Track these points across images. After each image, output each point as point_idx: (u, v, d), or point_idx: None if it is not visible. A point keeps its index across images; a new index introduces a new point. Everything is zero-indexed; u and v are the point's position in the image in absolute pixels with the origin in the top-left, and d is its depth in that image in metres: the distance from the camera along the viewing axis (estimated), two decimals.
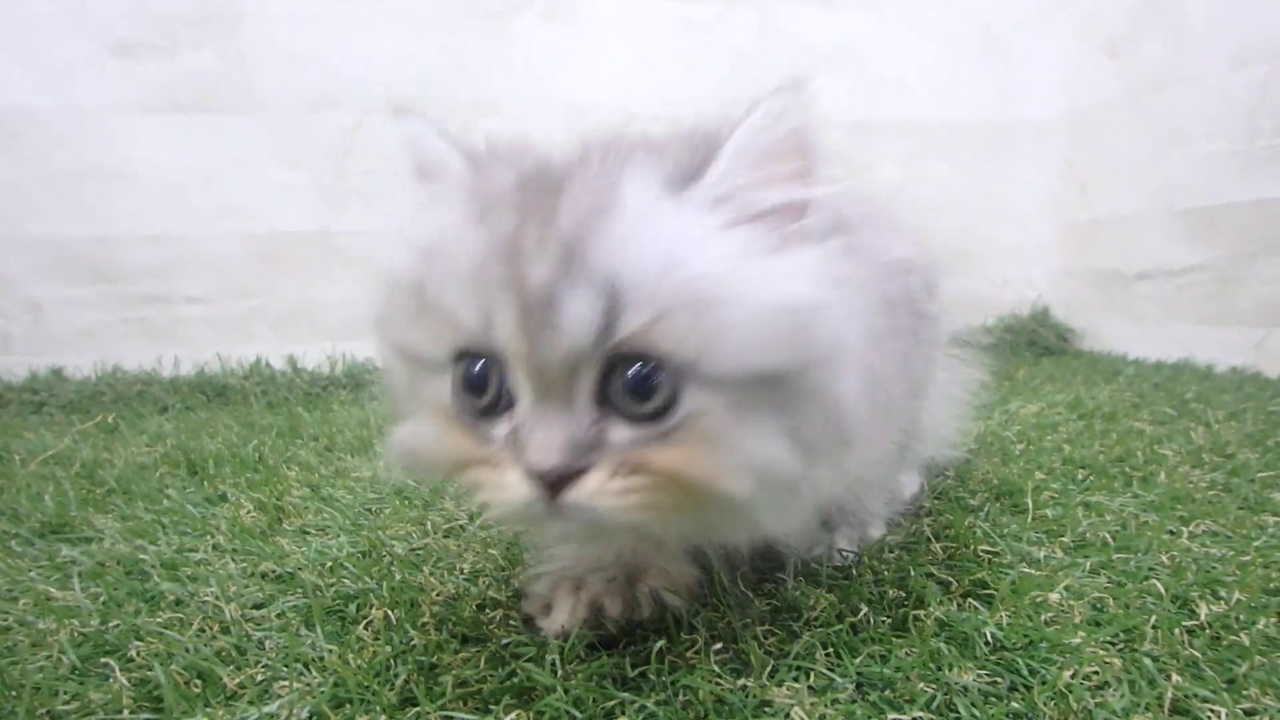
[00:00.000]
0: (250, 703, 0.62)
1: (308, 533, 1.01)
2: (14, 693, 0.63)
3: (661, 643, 0.66)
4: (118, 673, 0.66)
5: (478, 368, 0.57)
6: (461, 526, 1.01)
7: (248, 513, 1.08)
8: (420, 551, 0.92)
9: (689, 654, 0.65)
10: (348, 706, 0.61)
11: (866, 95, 2.50)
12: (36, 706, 0.62)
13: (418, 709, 0.60)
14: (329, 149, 2.23)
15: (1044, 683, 0.61)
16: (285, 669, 0.66)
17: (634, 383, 0.55)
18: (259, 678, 0.66)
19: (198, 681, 0.65)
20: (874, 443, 0.72)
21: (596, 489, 0.54)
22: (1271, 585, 0.76)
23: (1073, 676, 0.61)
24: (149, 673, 0.66)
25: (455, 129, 0.68)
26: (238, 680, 0.65)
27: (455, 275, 0.55)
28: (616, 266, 0.53)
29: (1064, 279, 2.65)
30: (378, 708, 0.60)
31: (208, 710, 0.61)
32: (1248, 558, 0.82)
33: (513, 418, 0.57)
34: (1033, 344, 2.53)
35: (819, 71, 2.22)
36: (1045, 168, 2.62)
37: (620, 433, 0.55)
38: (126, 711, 0.61)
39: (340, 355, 2.24)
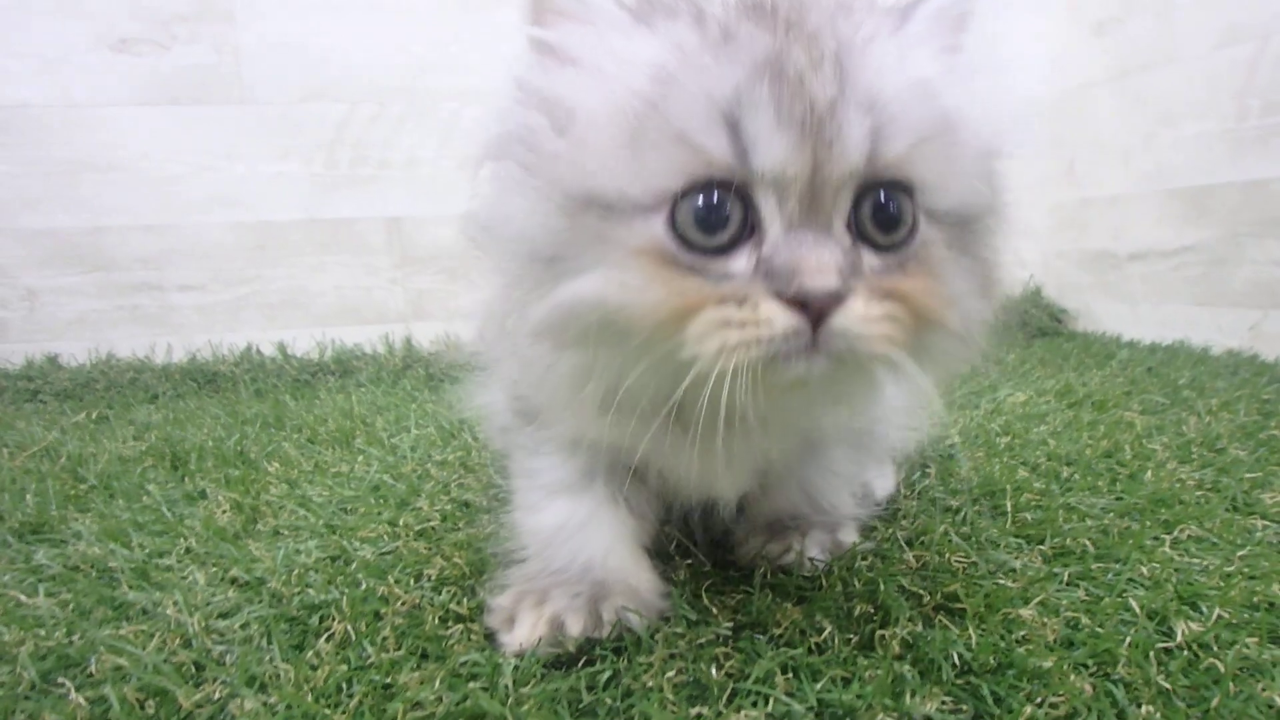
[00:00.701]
0: None
1: (280, 534, 1.01)
2: None
3: (620, 663, 0.65)
4: (74, 692, 0.65)
5: (715, 198, 0.53)
6: (433, 528, 1.00)
7: (223, 513, 1.08)
8: (389, 556, 0.91)
9: (645, 676, 0.64)
10: None
11: None
12: None
13: None
14: (319, 139, 2.24)
15: (1010, 711, 0.59)
16: (245, 686, 0.66)
17: (884, 210, 0.55)
18: (216, 696, 0.65)
19: (153, 702, 0.64)
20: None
21: (862, 314, 0.53)
22: (1255, 599, 0.74)
23: (1039, 706, 0.59)
24: (105, 690, 0.65)
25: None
26: (194, 699, 0.64)
27: (702, 99, 0.52)
28: (885, 90, 0.53)
29: (1055, 259, 2.64)
30: None
31: None
32: (1232, 568, 0.81)
33: (758, 248, 0.54)
34: (1025, 325, 2.51)
35: None
36: (1035, 148, 2.58)
37: (870, 260, 0.55)
38: None
39: (330, 341, 2.25)
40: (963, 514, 0.97)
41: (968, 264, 0.59)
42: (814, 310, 0.52)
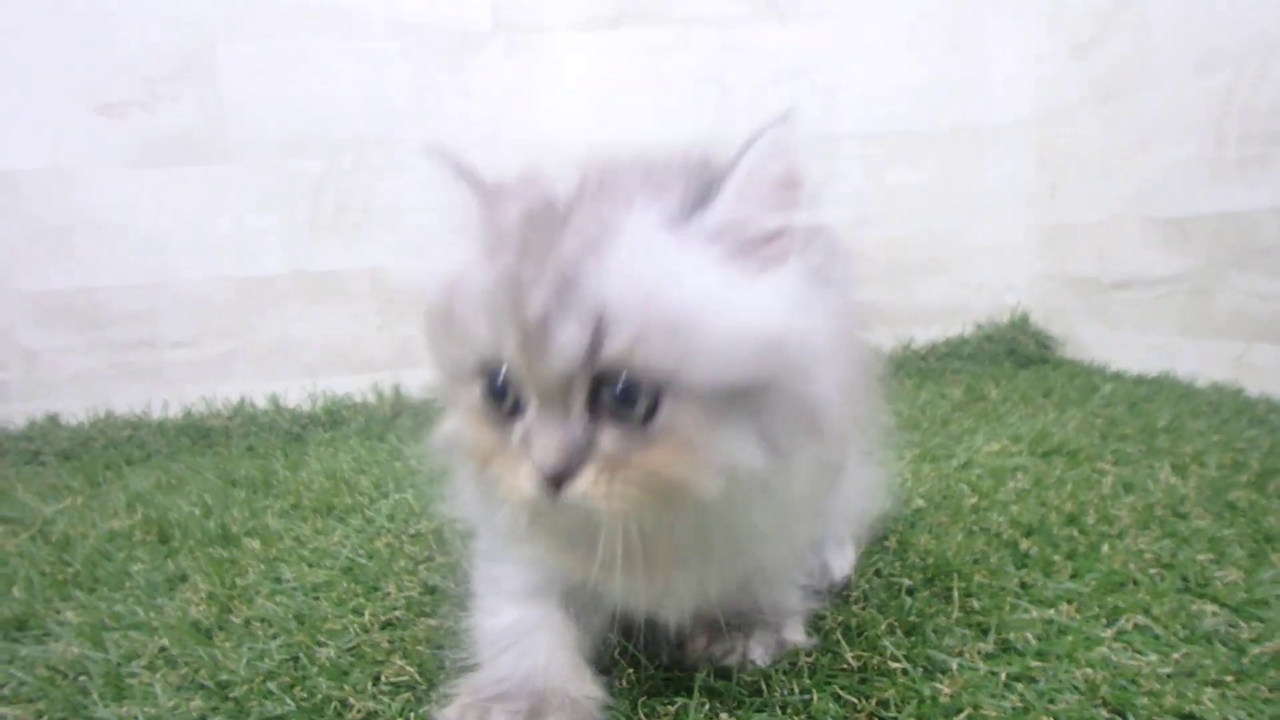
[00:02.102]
0: None
1: (250, 626, 1.03)
2: None
3: None
4: None
5: (498, 380, 0.65)
6: (398, 618, 1.03)
7: (198, 604, 1.10)
8: (351, 653, 0.94)
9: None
10: None
11: (830, 107, 2.51)
12: None
13: None
14: (300, 192, 2.29)
15: None
16: None
17: (619, 394, 0.62)
18: None
19: None
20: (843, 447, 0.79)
21: (588, 486, 0.62)
22: (1185, 708, 0.75)
23: None
24: None
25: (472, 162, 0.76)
26: None
27: (472, 305, 0.64)
28: (604, 297, 0.60)
29: (1041, 283, 2.65)
30: None
31: None
32: (1168, 669, 0.82)
33: (524, 422, 0.64)
34: (1013, 352, 2.52)
35: (781, 87, 2.23)
36: (1016, 170, 2.60)
37: (609, 437, 0.63)
38: None
39: (320, 392, 2.29)
40: (912, 600, 0.99)
41: (744, 426, 0.64)
42: (547, 480, 0.62)
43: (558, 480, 0.62)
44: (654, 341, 0.60)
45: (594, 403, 0.63)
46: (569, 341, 0.60)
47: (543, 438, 0.63)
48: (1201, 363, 2.07)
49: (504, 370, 0.64)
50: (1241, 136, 1.92)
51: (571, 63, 2.37)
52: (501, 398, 0.66)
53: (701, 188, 0.65)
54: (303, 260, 2.30)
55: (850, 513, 1.02)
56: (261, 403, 2.27)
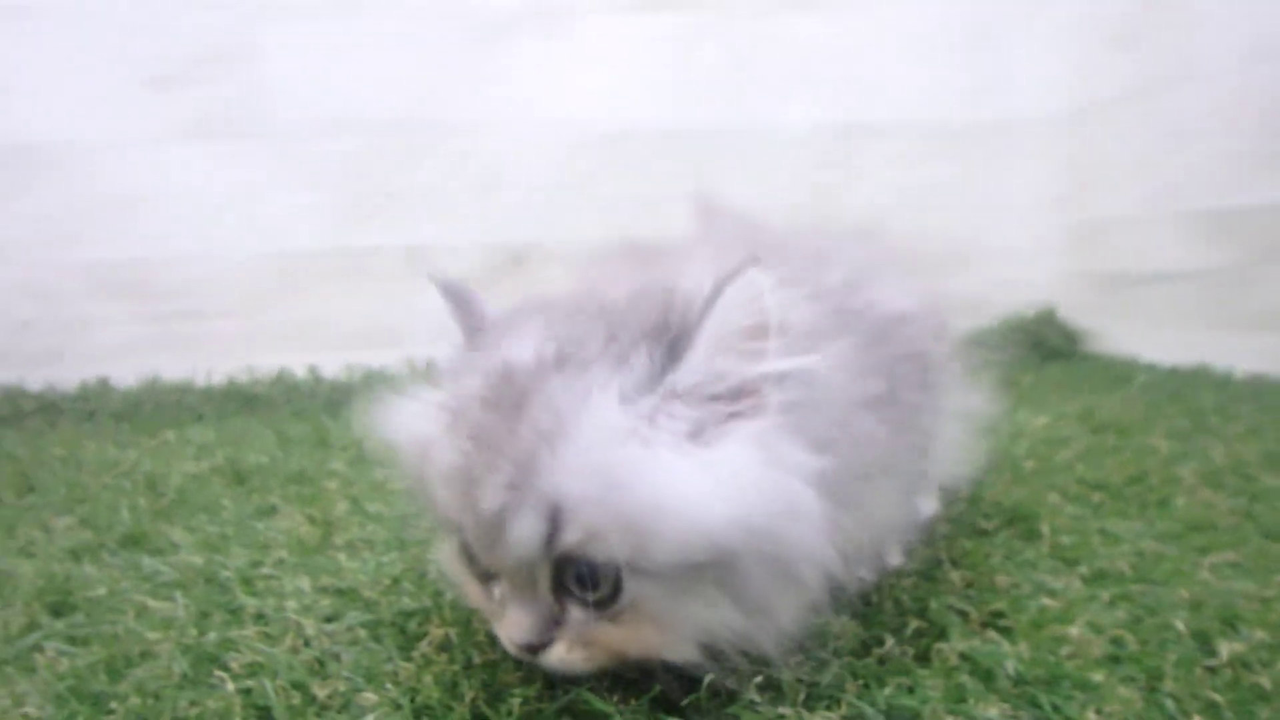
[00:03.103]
0: (339, 711, 0.68)
1: (356, 547, 1.07)
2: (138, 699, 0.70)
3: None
4: (229, 683, 0.72)
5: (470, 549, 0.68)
6: None
7: (301, 526, 1.14)
8: None
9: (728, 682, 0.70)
10: (427, 718, 0.67)
11: (861, 96, 2.54)
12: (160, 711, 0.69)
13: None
14: (340, 170, 2.34)
15: (1067, 718, 0.65)
16: (365, 681, 0.72)
17: (579, 579, 0.63)
18: (342, 689, 0.71)
19: (296, 693, 0.71)
20: (882, 504, 0.80)
21: (561, 657, 0.65)
22: (1276, 622, 0.79)
23: (1096, 714, 0.65)
24: (250, 683, 0.72)
25: (486, 290, 0.78)
26: (325, 692, 0.71)
27: (436, 478, 0.65)
28: (559, 490, 0.59)
29: (1069, 279, 2.66)
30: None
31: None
32: (1270, 592, 0.85)
33: (498, 588, 0.68)
34: (1038, 346, 2.53)
35: (812, 73, 2.26)
36: (1048, 167, 2.64)
37: (576, 614, 0.65)
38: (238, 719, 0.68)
39: (357, 363, 2.33)
40: (999, 537, 1.03)
41: (715, 594, 0.63)
42: (525, 647, 0.66)
43: (532, 651, 0.65)
44: (611, 534, 0.59)
45: (558, 583, 0.64)
46: (525, 533, 0.60)
47: (513, 614, 0.65)
48: (1233, 356, 2.09)
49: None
50: None
51: (605, 47, 2.41)
52: (475, 561, 0.68)
53: (665, 351, 0.63)
54: (341, 237, 2.35)
55: (941, 470, 1.06)
56: (301, 373, 2.32)
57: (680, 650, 0.65)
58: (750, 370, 0.63)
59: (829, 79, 2.52)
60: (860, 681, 0.70)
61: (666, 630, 0.64)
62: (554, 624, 0.65)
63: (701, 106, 2.47)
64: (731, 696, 0.68)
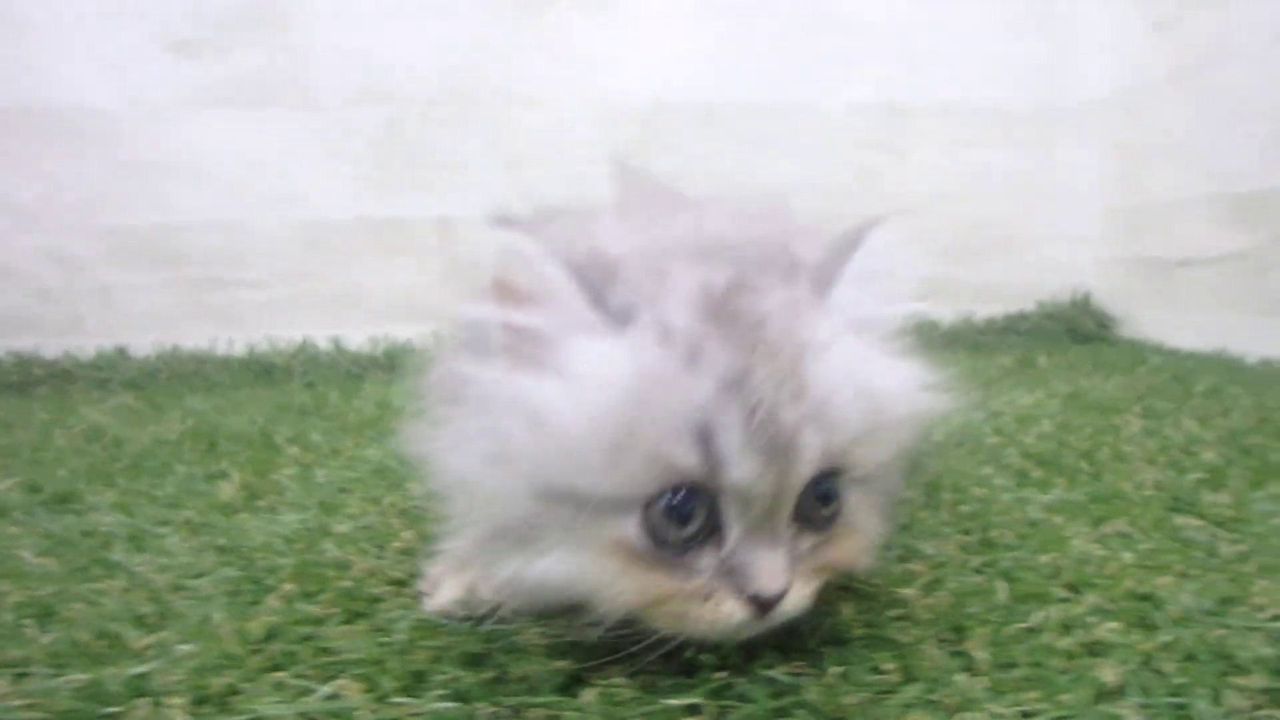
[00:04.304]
0: (154, 659, 0.70)
1: (275, 510, 1.10)
2: None
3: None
4: (39, 633, 0.75)
5: (685, 500, 0.59)
6: (415, 506, 1.08)
7: (230, 492, 1.17)
8: (364, 530, 0.99)
9: (529, 633, 0.70)
10: (219, 671, 0.68)
11: (908, 76, 2.50)
12: None
13: (278, 674, 0.67)
14: (371, 140, 2.35)
15: (847, 679, 0.64)
16: (191, 635, 0.74)
17: (820, 494, 0.62)
18: (169, 641, 0.73)
19: (103, 642, 0.73)
20: None
21: (799, 598, 0.61)
22: (1141, 590, 0.76)
23: (895, 665, 0.65)
24: (63, 633, 0.74)
25: (556, 241, 0.63)
26: (145, 642, 0.73)
27: (675, 420, 0.56)
28: (834, 400, 0.59)
29: (1110, 265, 2.59)
30: (244, 672, 0.67)
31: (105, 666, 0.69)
32: (1133, 561, 0.83)
33: (721, 549, 0.60)
34: (1071, 330, 2.49)
35: (858, 52, 2.22)
36: (1093, 150, 2.56)
37: (805, 541, 0.63)
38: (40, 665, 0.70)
39: (382, 336, 2.35)
40: (907, 506, 1.01)
41: (879, 500, 0.66)
42: (765, 604, 0.59)
43: (773, 603, 0.59)
44: (867, 437, 0.61)
45: (796, 509, 0.62)
46: (813, 450, 0.58)
47: (767, 560, 0.59)
48: (1256, 341, 2.03)
49: (699, 488, 0.59)
50: None
51: (644, 19, 2.40)
52: (686, 521, 0.59)
53: (819, 279, 0.66)
54: (370, 208, 2.37)
55: None
56: (325, 345, 2.35)
57: (868, 562, 0.67)
58: (889, 309, 0.68)
59: (876, 58, 2.49)
60: None
61: (863, 537, 0.65)
62: (794, 564, 0.61)
63: (744, 82, 2.44)
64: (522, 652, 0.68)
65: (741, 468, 0.57)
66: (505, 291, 0.63)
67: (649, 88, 2.38)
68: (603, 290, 0.62)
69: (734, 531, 0.59)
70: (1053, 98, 2.56)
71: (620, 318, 0.60)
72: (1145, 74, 2.40)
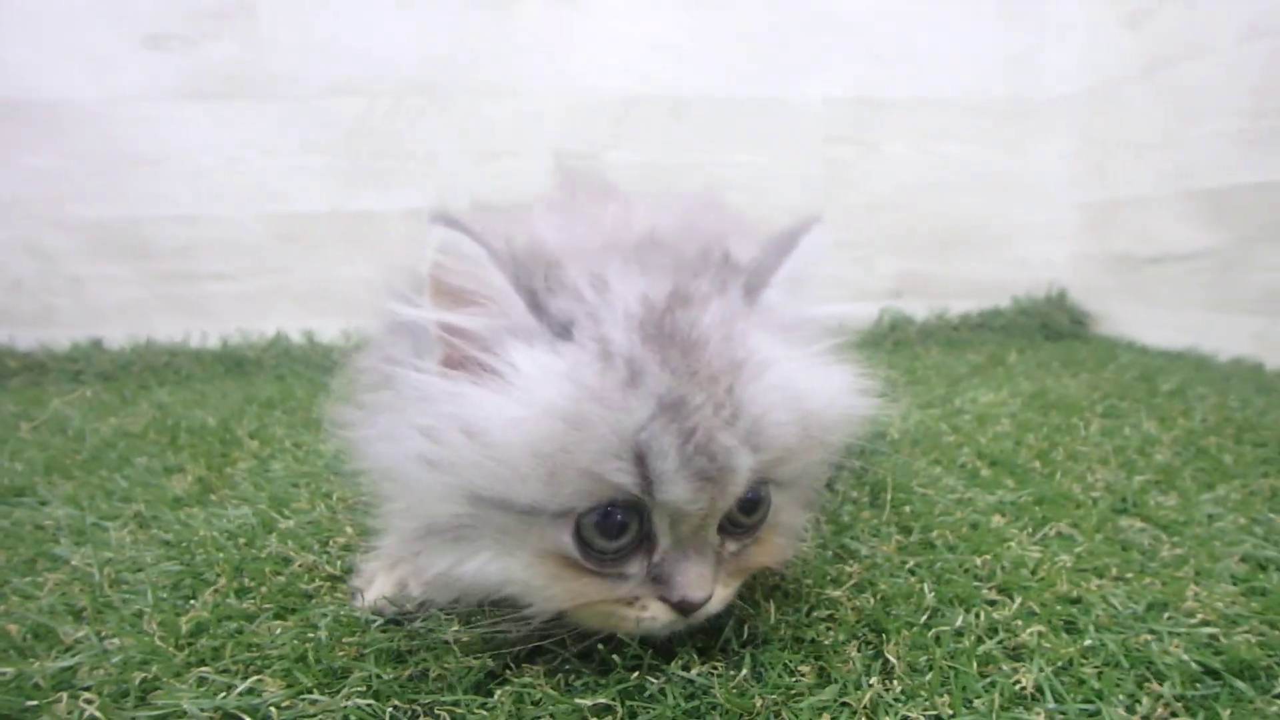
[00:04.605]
0: (72, 655, 0.70)
1: (226, 504, 1.09)
2: None
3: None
4: None
5: (618, 516, 0.60)
6: (364, 502, 1.07)
7: (183, 486, 1.17)
8: (309, 525, 0.99)
9: (454, 630, 0.71)
10: (144, 666, 0.68)
11: (879, 69, 2.49)
12: None
13: (202, 669, 0.67)
14: (342, 133, 2.33)
15: (759, 679, 0.64)
16: (122, 629, 0.74)
17: (747, 506, 0.64)
18: (103, 634, 0.73)
19: (31, 635, 0.73)
20: None
21: (721, 599, 0.64)
22: (1072, 593, 0.77)
23: (811, 667, 0.65)
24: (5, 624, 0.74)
25: (497, 236, 0.64)
26: (77, 636, 0.73)
27: (612, 440, 0.57)
28: (765, 420, 0.60)
29: (1083, 261, 2.59)
30: (168, 666, 0.67)
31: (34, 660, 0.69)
32: (1069, 564, 0.83)
33: (651, 557, 0.62)
34: (1045, 327, 2.49)
35: (829, 45, 2.21)
36: (1065, 145, 2.56)
37: (731, 547, 0.65)
38: None
39: (354, 329, 2.35)
40: (851, 506, 1.01)
41: (799, 495, 0.68)
42: (690, 608, 0.62)
43: (698, 608, 0.62)
44: (797, 451, 0.62)
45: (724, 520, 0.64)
46: (746, 470, 0.59)
47: (693, 570, 0.61)
48: (1226, 339, 2.03)
49: (631, 503, 0.60)
50: None
51: (616, 12, 2.38)
52: (618, 534, 0.60)
53: (752, 284, 0.67)
54: (342, 201, 2.36)
55: None
56: (297, 338, 2.35)
57: (790, 555, 0.68)
58: (819, 311, 0.70)
59: (848, 51, 2.47)
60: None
61: (786, 536, 0.67)
62: (718, 573, 0.64)
63: (714, 75, 2.42)
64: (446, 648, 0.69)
65: (675, 489, 0.58)
66: (443, 291, 0.63)
67: (620, 80, 2.37)
68: (543, 296, 0.62)
69: (663, 543, 0.61)
70: (1025, 92, 2.55)
71: (560, 329, 0.61)
72: (1117, 69, 2.40)
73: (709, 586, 0.61)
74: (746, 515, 0.64)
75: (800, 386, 0.62)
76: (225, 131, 2.27)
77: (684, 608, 0.61)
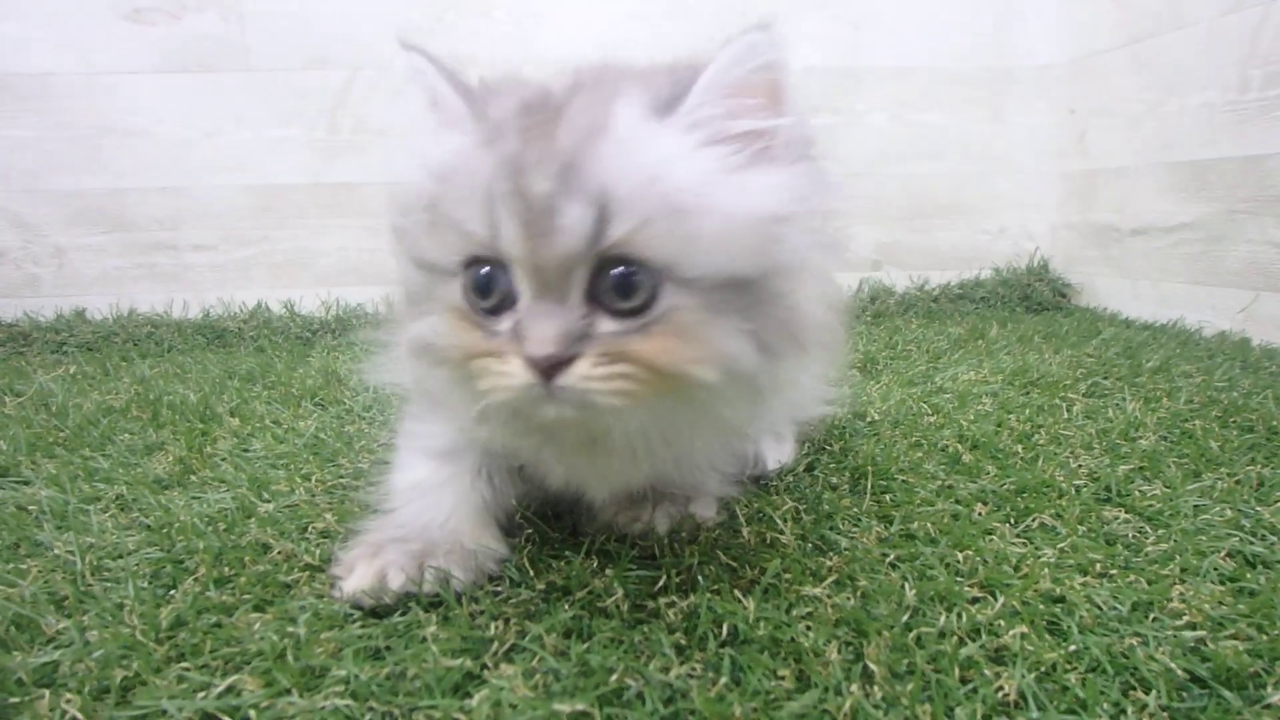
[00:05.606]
0: (59, 648, 0.70)
1: (207, 485, 1.09)
2: None
3: (428, 616, 0.72)
4: None
5: (484, 271, 0.66)
6: (342, 484, 1.08)
7: (164, 466, 1.16)
8: (289, 509, 0.99)
9: (433, 628, 0.71)
10: (124, 662, 0.68)
11: (857, 40, 2.48)
12: None
13: (182, 665, 0.67)
14: (321, 105, 2.34)
15: (737, 683, 0.65)
16: (103, 620, 0.74)
17: (618, 282, 0.63)
18: (85, 624, 0.73)
19: (14, 628, 0.73)
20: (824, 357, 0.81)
21: (584, 374, 0.63)
22: (1056, 591, 0.77)
23: (791, 669, 0.65)
24: None
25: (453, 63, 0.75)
26: (59, 627, 0.73)
27: (466, 192, 0.64)
28: (607, 180, 0.61)
29: (1063, 232, 2.60)
30: (149, 662, 0.67)
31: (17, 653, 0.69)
32: (1053, 559, 0.83)
33: (514, 314, 0.65)
34: (1026, 298, 2.49)
35: (807, 16, 2.19)
36: (1046, 116, 2.56)
37: (606, 326, 0.64)
38: None
39: (334, 300, 2.35)
40: (831, 493, 1.01)
41: (739, 324, 0.65)
42: (542, 369, 0.62)
43: (552, 368, 0.62)
44: (657, 226, 0.61)
45: (592, 292, 0.63)
46: (574, 223, 0.61)
47: (539, 325, 0.63)
48: (1211, 312, 2.04)
49: (496, 260, 0.65)
50: (1265, 79, 1.87)
51: None
52: (488, 292, 0.66)
53: (680, 85, 0.67)
54: (321, 172, 2.36)
55: (791, 412, 1.05)
56: (277, 309, 2.34)
57: (705, 372, 0.65)
58: (761, 122, 0.68)
59: (826, 20, 2.46)
60: (573, 637, 0.70)
61: (695, 345, 0.64)
62: (581, 338, 0.63)
63: (689, 44, 2.39)
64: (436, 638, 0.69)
65: (507, 235, 0.63)
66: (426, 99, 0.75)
67: (596, 51, 2.34)
68: (479, 99, 0.70)
69: (524, 298, 0.65)
70: (1005, 62, 2.55)
71: (479, 118, 0.69)
72: (1098, 40, 2.39)
73: (553, 345, 0.62)
74: (623, 297, 0.63)
75: (679, 171, 0.63)
76: (206, 104, 2.28)
77: (536, 364, 0.62)
